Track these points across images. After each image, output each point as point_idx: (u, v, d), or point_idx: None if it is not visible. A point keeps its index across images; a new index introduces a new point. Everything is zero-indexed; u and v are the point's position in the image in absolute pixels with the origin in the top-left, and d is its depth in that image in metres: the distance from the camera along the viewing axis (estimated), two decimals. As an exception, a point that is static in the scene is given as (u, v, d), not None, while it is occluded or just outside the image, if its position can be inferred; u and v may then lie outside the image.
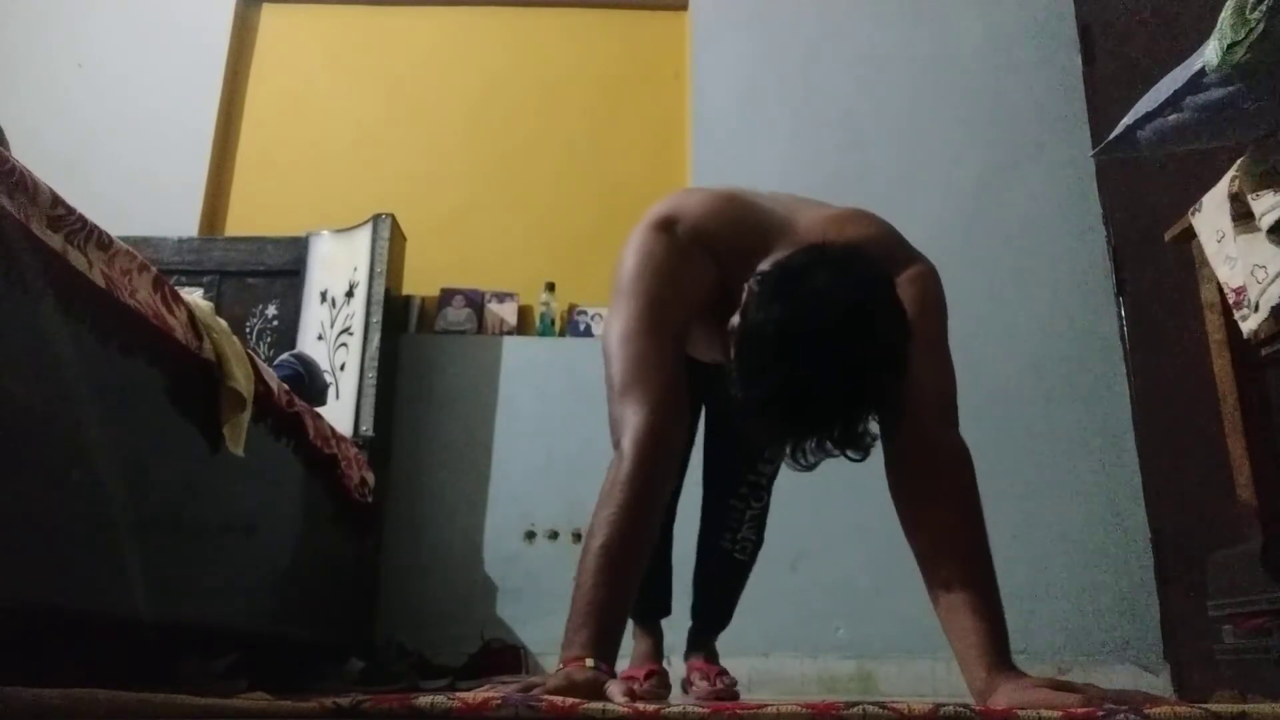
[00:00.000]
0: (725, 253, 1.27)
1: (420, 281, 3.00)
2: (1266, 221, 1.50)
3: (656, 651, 1.86)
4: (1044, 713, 0.88)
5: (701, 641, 1.91)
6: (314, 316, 2.78)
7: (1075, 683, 0.98)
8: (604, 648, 1.05)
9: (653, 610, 1.85)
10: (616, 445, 1.19)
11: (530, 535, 2.71)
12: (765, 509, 1.83)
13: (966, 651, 1.05)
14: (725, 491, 1.81)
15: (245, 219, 3.13)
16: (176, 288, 1.33)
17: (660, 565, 1.79)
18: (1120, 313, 2.84)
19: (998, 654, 1.04)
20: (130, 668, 1.16)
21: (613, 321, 1.26)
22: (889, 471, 1.21)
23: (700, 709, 0.85)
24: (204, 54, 3.24)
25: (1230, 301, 1.68)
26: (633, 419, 1.17)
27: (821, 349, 1.00)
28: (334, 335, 2.73)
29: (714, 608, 1.90)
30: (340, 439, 2.08)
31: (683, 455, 1.24)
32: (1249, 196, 1.56)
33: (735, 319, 1.10)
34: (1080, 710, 0.88)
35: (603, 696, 0.94)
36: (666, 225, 1.29)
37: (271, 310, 2.82)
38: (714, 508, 1.83)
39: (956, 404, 1.25)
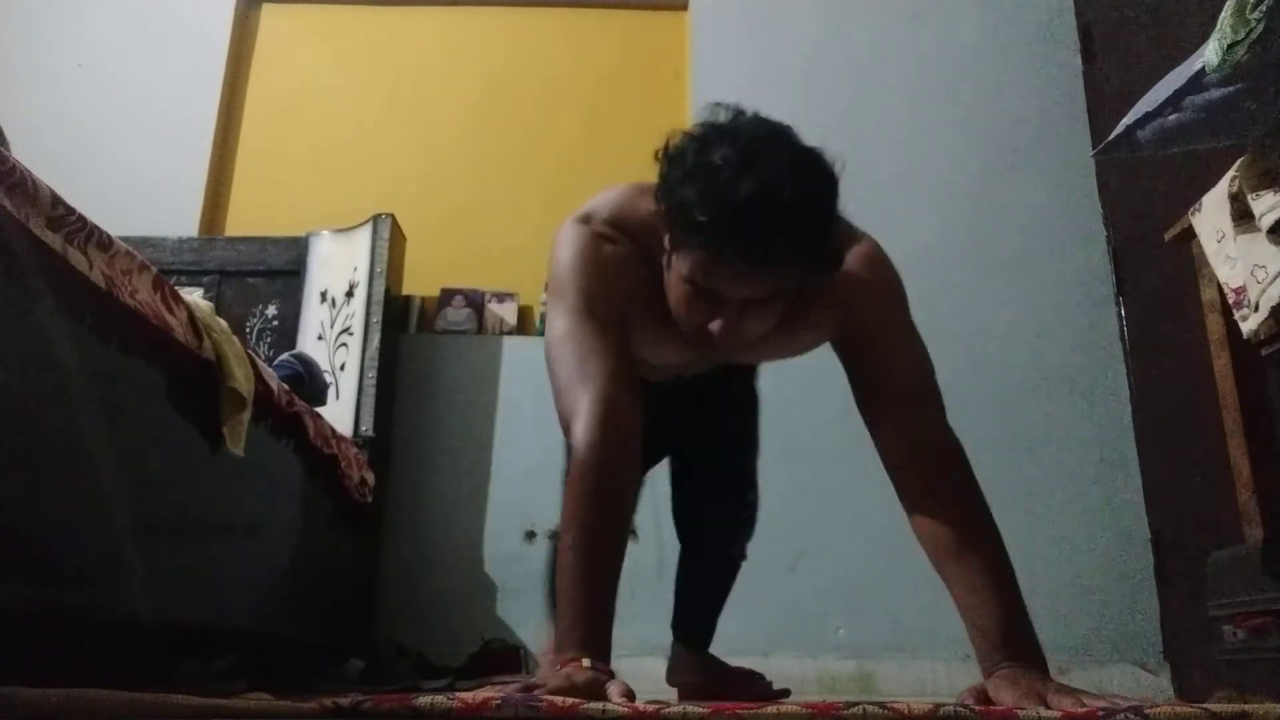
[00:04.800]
0: (639, 230, 1.29)
1: (420, 281, 3.00)
2: (1266, 221, 1.50)
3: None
4: (1044, 712, 0.88)
5: (702, 654, 1.87)
6: (314, 316, 2.77)
7: (1075, 690, 0.96)
8: (598, 647, 1.05)
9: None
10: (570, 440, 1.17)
11: (530, 535, 2.71)
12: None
13: (977, 649, 1.06)
14: (735, 494, 1.78)
15: (245, 219, 3.13)
16: (176, 288, 1.33)
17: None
18: (1120, 313, 2.84)
19: (997, 649, 1.03)
20: (130, 668, 1.15)
21: (553, 323, 1.28)
22: (889, 470, 1.21)
23: (700, 709, 0.85)
24: (204, 54, 3.23)
25: (1230, 301, 1.68)
26: (581, 409, 1.16)
27: (752, 146, 1.16)
28: (334, 335, 2.73)
29: (712, 617, 1.86)
30: (340, 439, 2.08)
31: (644, 438, 1.21)
32: (1249, 196, 1.56)
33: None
34: (1081, 710, 0.88)
35: (603, 697, 0.95)
36: (584, 219, 1.34)
37: (271, 310, 2.82)
38: (723, 517, 1.79)
39: (938, 389, 1.24)
